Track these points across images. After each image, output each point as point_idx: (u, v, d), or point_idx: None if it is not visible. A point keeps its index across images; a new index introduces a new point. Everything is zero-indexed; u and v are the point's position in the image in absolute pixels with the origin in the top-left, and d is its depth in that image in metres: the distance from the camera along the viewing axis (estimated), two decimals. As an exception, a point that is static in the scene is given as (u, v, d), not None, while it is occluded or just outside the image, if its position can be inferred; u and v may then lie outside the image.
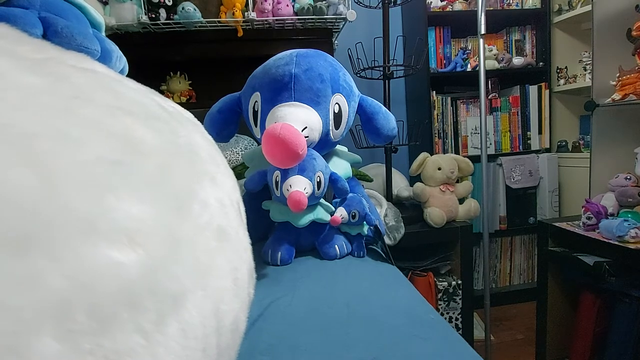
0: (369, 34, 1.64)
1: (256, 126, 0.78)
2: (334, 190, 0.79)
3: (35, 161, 0.16)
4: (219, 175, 0.34)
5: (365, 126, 0.86)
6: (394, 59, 1.44)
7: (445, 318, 1.33)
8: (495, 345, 1.55)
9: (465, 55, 1.87)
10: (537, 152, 1.92)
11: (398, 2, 1.42)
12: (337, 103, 0.78)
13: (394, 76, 1.44)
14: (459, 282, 1.32)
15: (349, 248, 0.80)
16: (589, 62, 1.60)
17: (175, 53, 1.40)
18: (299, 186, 0.68)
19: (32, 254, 0.14)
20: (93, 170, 0.18)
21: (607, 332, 1.14)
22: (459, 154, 1.72)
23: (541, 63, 1.92)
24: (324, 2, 1.33)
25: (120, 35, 1.31)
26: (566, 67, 1.88)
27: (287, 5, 1.32)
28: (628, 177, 1.18)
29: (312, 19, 1.33)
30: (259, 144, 0.74)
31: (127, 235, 0.18)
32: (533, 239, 1.94)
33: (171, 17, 1.29)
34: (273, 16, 1.33)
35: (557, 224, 1.28)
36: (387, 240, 1.02)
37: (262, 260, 0.77)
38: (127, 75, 0.40)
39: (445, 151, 1.84)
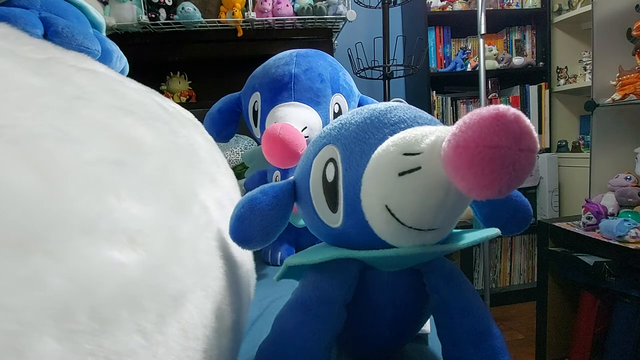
0: (369, 34, 1.64)
1: (256, 126, 0.78)
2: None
3: (36, 161, 0.16)
4: (219, 175, 0.34)
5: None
6: (394, 59, 1.44)
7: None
8: (495, 345, 1.55)
9: (465, 55, 1.87)
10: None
11: (398, 2, 1.42)
12: (337, 103, 0.78)
13: (394, 76, 1.44)
14: (459, 282, 1.32)
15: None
16: (589, 62, 1.60)
17: (175, 53, 1.39)
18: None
19: (33, 254, 0.14)
20: (94, 170, 0.18)
21: (607, 332, 1.14)
22: (459, 154, 1.72)
23: (541, 63, 1.92)
24: (324, 2, 1.33)
25: (120, 35, 1.31)
26: (566, 67, 1.88)
27: (287, 5, 1.32)
28: (628, 177, 1.18)
29: (312, 19, 1.33)
30: (259, 144, 0.74)
31: (128, 236, 0.18)
32: (533, 239, 1.94)
33: (171, 17, 1.29)
34: (273, 16, 1.33)
35: (557, 224, 1.28)
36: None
37: (262, 260, 0.77)
38: (127, 75, 0.40)
39: (445, 151, 1.83)
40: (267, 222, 0.31)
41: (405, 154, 0.23)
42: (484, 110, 0.18)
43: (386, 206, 0.24)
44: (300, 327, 0.28)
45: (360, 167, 0.26)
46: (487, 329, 0.29)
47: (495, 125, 0.18)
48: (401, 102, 0.41)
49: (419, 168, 0.22)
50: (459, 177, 0.19)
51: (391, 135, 0.25)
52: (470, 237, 0.30)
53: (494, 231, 0.30)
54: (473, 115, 0.19)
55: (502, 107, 0.18)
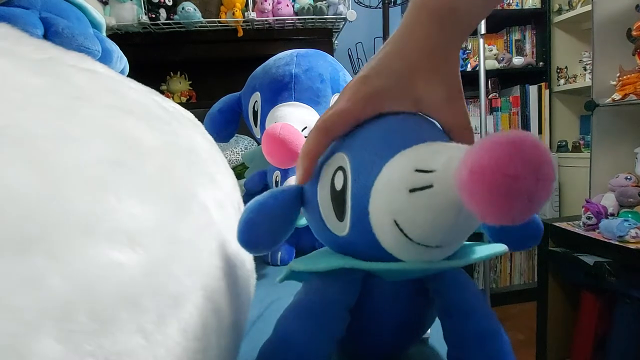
0: (369, 34, 1.64)
1: (256, 126, 0.78)
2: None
3: (36, 162, 0.16)
4: (219, 175, 0.34)
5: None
6: (394, 59, 1.44)
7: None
8: (496, 345, 1.55)
9: (465, 55, 1.87)
10: (537, 152, 1.92)
11: (398, 2, 1.42)
12: (337, 103, 0.78)
13: (394, 76, 1.44)
14: (459, 282, 1.32)
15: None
16: (589, 62, 1.60)
17: (175, 53, 1.40)
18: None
19: (32, 254, 0.14)
20: (94, 170, 0.18)
21: (608, 332, 1.14)
22: (459, 154, 1.72)
23: (541, 63, 1.92)
24: (324, 2, 1.33)
25: (120, 35, 1.31)
26: (566, 67, 1.88)
27: (287, 5, 1.32)
28: (628, 177, 1.18)
29: (312, 19, 1.33)
30: (259, 144, 0.74)
31: (128, 236, 0.18)
32: (533, 239, 1.94)
33: (171, 17, 1.30)
34: (273, 16, 1.33)
35: (557, 224, 1.28)
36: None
37: (262, 260, 0.77)
38: (127, 75, 0.40)
39: (445, 151, 1.84)
40: (275, 227, 0.30)
41: (418, 170, 0.23)
42: (501, 136, 0.18)
43: (395, 221, 0.24)
44: (301, 331, 0.28)
45: (370, 178, 0.26)
46: (492, 330, 0.29)
47: (513, 152, 0.17)
48: None
49: (431, 186, 0.22)
50: (474, 203, 0.19)
51: (404, 149, 0.25)
52: (478, 252, 0.30)
53: (502, 247, 0.30)
54: (489, 139, 0.18)
55: (520, 132, 0.18)
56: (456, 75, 0.29)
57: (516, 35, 1.98)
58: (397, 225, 0.24)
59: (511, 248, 0.32)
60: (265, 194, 0.30)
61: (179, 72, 1.51)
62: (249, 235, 0.29)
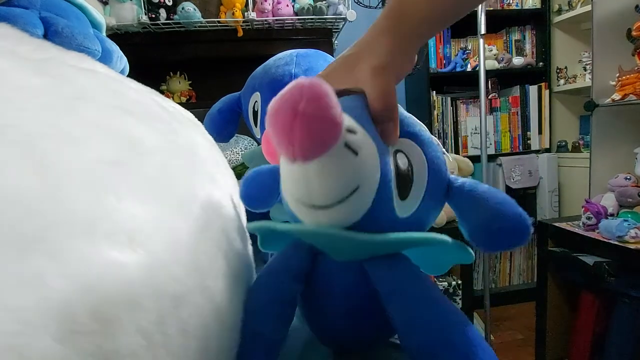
0: (369, 34, 1.63)
1: (256, 126, 0.78)
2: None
3: (37, 161, 0.16)
4: (219, 175, 0.34)
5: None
6: (393, 59, 1.44)
7: (445, 318, 1.32)
8: (495, 345, 1.55)
9: (465, 55, 1.87)
10: (536, 152, 1.92)
11: (398, 2, 1.42)
12: (337, 103, 0.78)
13: (394, 76, 1.44)
14: (459, 282, 1.32)
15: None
16: (589, 62, 1.60)
17: (175, 53, 1.40)
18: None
19: (33, 254, 0.14)
20: (94, 170, 0.18)
21: (607, 332, 1.14)
22: (458, 154, 1.72)
23: (541, 63, 1.92)
24: (324, 2, 1.33)
25: (120, 35, 1.31)
26: (566, 67, 1.88)
27: (287, 5, 1.32)
28: (628, 177, 1.18)
29: (312, 19, 1.33)
30: (259, 144, 0.74)
31: (128, 236, 0.18)
32: (533, 239, 1.94)
33: (171, 17, 1.29)
34: (273, 16, 1.33)
35: (557, 224, 1.28)
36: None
37: (262, 260, 0.77)
38: (127, 75, 0.40)
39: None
40: (269, 188, 0.36)
41: None
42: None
43: (283, 184, 0.28)
44: (253, 295, 0.32)
45: None
46: (444, 343, 0.27)
47: (280, 95, 0.20)
48: None
49: None
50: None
51: None
52: (407, 235, 0.28)
53: (441, 237, 0.28)
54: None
55: (303, 79, 0.20)
56: (405, 73, 0.34)
57: (516, 36, 1.98)
58: (285, 189, 0.27)
59: (492, 248, 0.30)
60: (264, 166, 0.37)
61: (178, 72, 1.51)
62: (248, 191, 0.36)
